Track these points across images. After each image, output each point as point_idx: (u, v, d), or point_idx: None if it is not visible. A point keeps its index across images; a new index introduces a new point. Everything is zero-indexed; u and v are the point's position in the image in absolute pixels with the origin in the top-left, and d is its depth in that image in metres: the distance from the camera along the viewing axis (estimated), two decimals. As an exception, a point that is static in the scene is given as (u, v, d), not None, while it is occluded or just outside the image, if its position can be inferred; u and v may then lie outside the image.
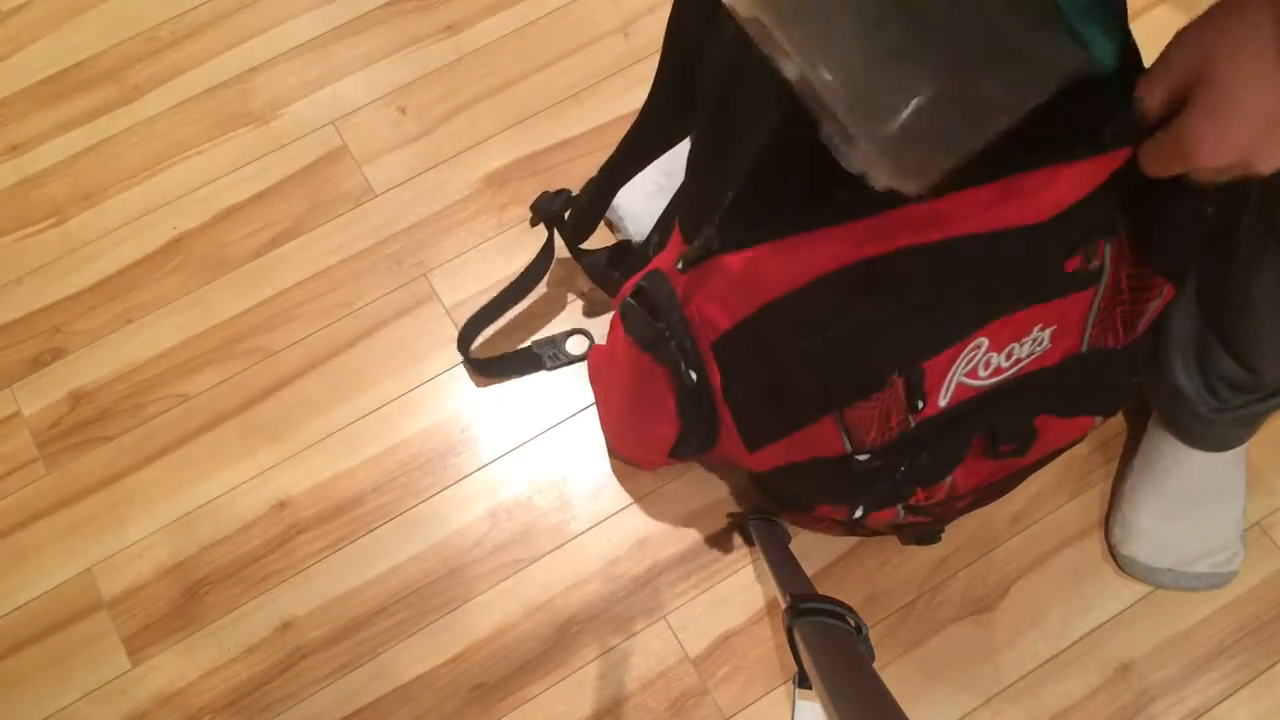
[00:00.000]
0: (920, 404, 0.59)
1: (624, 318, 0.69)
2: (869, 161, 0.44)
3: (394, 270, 0.98)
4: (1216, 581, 0.84)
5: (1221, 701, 0.81)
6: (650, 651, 0.84)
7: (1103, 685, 0.82)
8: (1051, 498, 0.88)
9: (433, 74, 1.07)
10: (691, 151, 0.65)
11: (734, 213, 0.56)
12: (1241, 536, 0.85)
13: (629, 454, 0.88)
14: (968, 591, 0.85)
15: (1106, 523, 0.87)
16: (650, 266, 0.69)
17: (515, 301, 0.93)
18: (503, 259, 0.98)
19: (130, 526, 0.89)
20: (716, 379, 0.65)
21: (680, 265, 0.61)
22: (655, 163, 0.79)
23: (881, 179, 0.44)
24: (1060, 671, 0.82)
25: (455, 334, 0.93)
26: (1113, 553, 0.85)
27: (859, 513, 0.67)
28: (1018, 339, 0.59)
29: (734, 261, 0.57)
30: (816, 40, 0.43)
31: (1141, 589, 0.85)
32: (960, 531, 0.86)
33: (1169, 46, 0.45)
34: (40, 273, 0.99)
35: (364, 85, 1.07)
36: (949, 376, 0.59)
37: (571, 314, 0.96)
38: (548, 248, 0.90)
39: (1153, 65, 0.46)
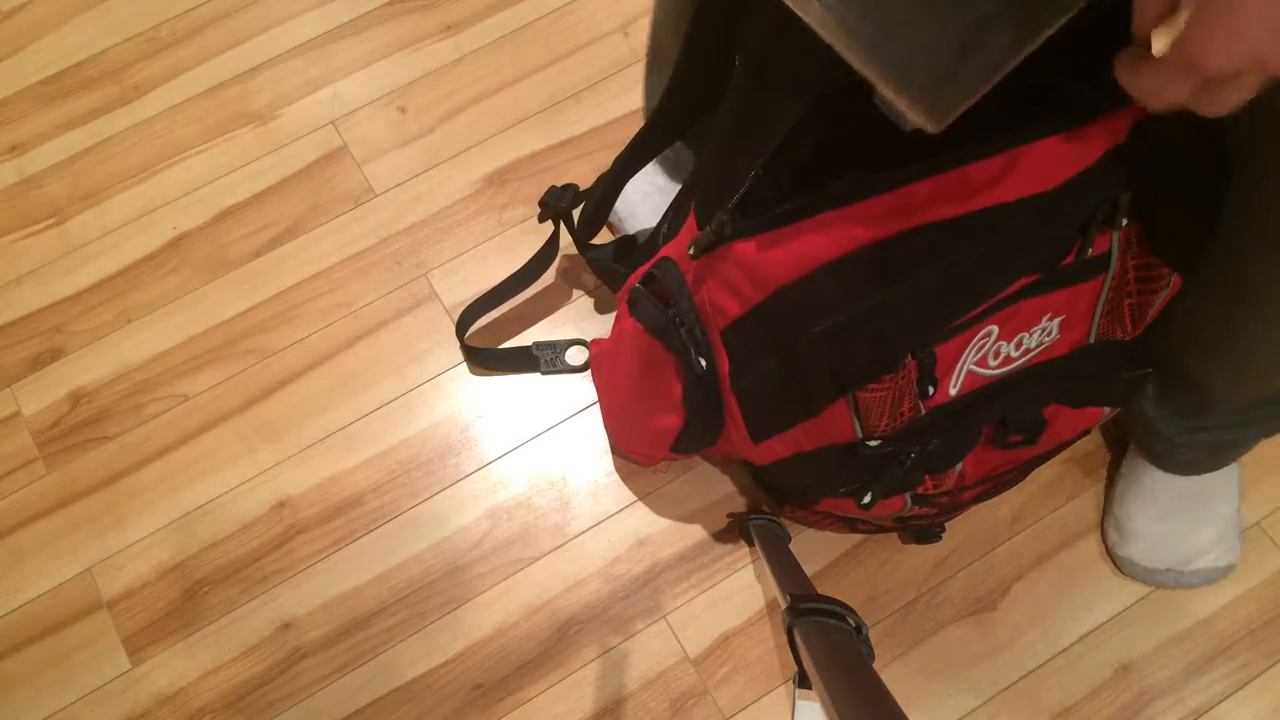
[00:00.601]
0: (931, 390, 0.59)
1: (633, 304, 0.69)
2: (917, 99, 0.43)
3: (394, 270, 0.98)
4: (1216, 575, 0.84)
5: (1221, 701, 0.81)
6: (650, 651, 0.84)
7: (1103, 685, 0.82)
8: (1051, 498, 0.88)
9: (433, 74, 1.07)
10: (719, 127, 0.65)
11: (753, 193, 0.56)
12: (1237, 528, 0.84)
13: (630, 447, 0.87)
14: (968, 591, 0.85)
15: (1102, 525, 0.87)
16: (660, 254, 0.69)
17: (515, 292, 0.92)
18: (503, 259, 0.98)
19: (130, 526, 0.89)
20: (725, 367, 0.65)
21: (691, 251, 0.60)
22: (655, 163, 0.79)
23: (920, 112, 0.43)
24: (1060, 671, 0.83)
25: (455, 334, 0.93)
26: (1110, 554, 0.86)
27: (867, 499, 0.67)
28: (1027, 328, 0.59)
29: (745, 248, 0.57)
30: None
31: (1141, 589, 0.85)
32: (960, 531, 0.86)
33: None
34: (40, 273, 0.99)
35: (364, 85, 1.07)
36: (959, 364, 0.59)
37: (572, 312, 0.96)
38: (552, 241, 0.90)
39: None
